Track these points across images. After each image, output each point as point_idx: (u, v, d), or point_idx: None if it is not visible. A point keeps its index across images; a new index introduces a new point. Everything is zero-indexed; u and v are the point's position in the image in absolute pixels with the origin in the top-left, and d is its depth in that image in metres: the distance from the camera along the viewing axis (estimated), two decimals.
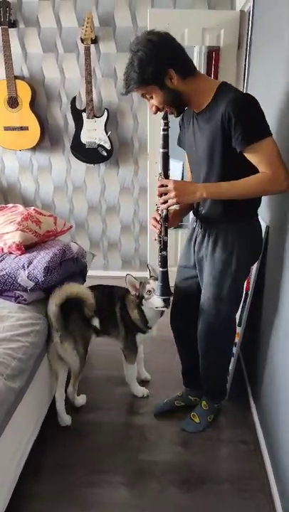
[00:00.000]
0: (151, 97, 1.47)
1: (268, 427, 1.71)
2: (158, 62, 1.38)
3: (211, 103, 1.45)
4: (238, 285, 1.68)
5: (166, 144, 1.49)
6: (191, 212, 1.79)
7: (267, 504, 1.56)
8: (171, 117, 1.52)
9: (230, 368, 2.04)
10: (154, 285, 1.77)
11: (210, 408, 1.95)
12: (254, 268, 1.91)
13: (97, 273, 3.56)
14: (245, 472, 1.70)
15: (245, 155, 1.41)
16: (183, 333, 1.95)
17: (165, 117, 1.47)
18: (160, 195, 1.51)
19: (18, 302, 1.78)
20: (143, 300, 1.87)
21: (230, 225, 1.58)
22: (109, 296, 1.99)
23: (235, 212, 1.55)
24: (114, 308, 1.97)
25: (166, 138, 1.48)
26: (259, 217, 1.68)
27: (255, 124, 1.37)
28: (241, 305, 1.99)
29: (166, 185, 1.48)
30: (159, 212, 1.57)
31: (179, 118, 1.63)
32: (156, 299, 1.77)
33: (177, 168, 2.98)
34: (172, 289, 1.73)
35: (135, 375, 2.13)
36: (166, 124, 1.47)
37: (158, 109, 1.50)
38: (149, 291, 1.83)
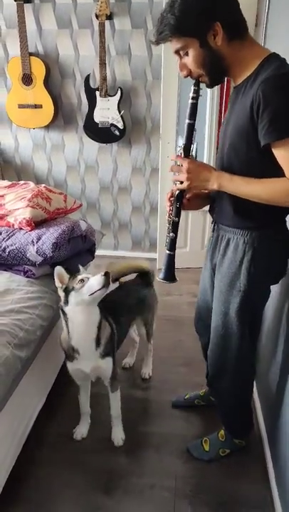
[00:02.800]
0: (186, 54, 1.20)
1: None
2: (205, 10, 1.13)
3: (250, 77, 1.19)
4: (249, 306, 1.40)
5: (193, 115, 1.28)
6: None
7: (262, 475, 1.62)
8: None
9: None
10: (89, 276, 1.54)
11: (227, 441, 1.69)
12: None
13: (108, 253, 3.61)
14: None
15: (273, 151, 1.14)
16: (207, 339, 1.72)
17: (196, 83, 1.25)
18: (174, 172, 1.32)
19: (27, 276, 1.83)
20: (71, 295, 1.50)
21: (245, 230, 1.31)
22: None
23: (250, 217, 1.28)
24: None
25: (194, 107, 1.27)
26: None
27: None
28: None
29: (181, 165, 1.29)
30: (173, 191, 1.38)
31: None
32: (93, 279, 1.49)
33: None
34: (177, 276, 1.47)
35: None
36: (197, 91, 1.26)
37: (190, 73, 1.24)
38: (82, 279, 1.50)
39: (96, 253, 2.39)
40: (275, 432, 1.60)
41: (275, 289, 1.77)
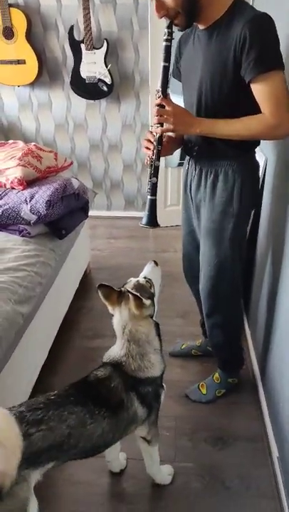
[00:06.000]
0: None
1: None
2: None
3: (222, 19, 1.26)
4: (241, 229, 1.52)
5: (167, 57, 1.32)
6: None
7: (256, 412, 1.73)
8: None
9: None
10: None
11: (222, 382, 1.82)
12: None
13: (101, 213, 3.61)
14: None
15: (252, 86, 1.24)
16: (198, 285, 1.73)
17: (169, 26, 1.28)
18: (157, 116, 1.34)
19: (23, 236, 1.85)
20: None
21: (231, 160, 1.42)
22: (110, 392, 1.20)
23: (234, 146, 1.39)
24: (127, 402, 1.21)
25: (168, 49, 1.31)
26: (257, 148, 1.54)
27: (271, 50, 1.19)
28: None
29: (165, 108, 1.31)
30: (154, 133, 1.40)
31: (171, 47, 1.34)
32: (152, 270, 1.37)
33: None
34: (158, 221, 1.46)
35: None
36: (170, 33, 1.29)
37: (166, 14, 1.27)
38: (150, 283, 1.31)
39: (89, 214, 2.39)
40: (266, 369, 1.69)
41: (263, 229, 1.83)
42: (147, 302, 1.21)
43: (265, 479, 1.50)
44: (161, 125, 1.34)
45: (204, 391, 1.82)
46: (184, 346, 2.08)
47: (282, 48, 1.23)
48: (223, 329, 1.72)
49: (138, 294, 1.18)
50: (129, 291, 1.19)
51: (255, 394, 1.82)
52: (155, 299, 1.29)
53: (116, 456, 1.52)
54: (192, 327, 2.20)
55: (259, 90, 1.24)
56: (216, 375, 1.84)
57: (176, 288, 2.47)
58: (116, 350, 1.27)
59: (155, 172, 1.42)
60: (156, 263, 1.40)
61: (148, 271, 1.37)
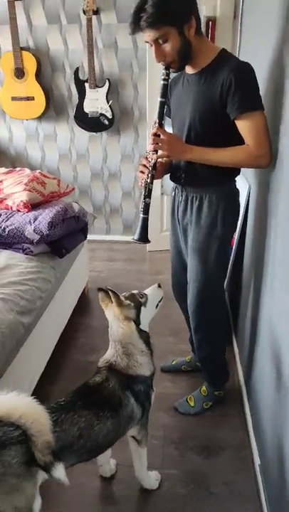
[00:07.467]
0: (165, 41, 1.38)
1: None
2: (186, 4, 1.38)
3: (211, 66, 1.46)
4: (225, 248, 1.68)
5: (164, 94, 1.50)
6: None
7: (241, 423, 1.82)
8: None
9: None
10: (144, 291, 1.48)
11: (209, 395, 1.92)
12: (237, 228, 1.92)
13: (100, 237, 3.78)
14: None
15: (237, 123, 1.43)
16: (186, 302, 1.84)
17: (167, 67, 1.47)
18: (153, 144, 1.50)
19: (26, 254, 2.01)
20: (141, 309, 1.40)
21: (215, 187, 1.59)
22: (111, 394, 1.33)
23: (218, 175, 1.56)
24: (124, 399, 1.34)
25: (165, 88, 1.50)
26: (242, 175, 1.73)
27: (253, 93, 1.40)
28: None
29: (161, 136, 1.48)
30: (149, 159, 1.56)
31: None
32: (152, 289, 1.50)
33: None
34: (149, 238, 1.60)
35: None
36: (168, 74, 1.48)
37: (164, 58, 1.44)
38: (142, 294, 1.44)
39: (89, 237, 2.56)
40: (250, 382, 1.80)
41: (248, 253, 1.98)
42: (126, 302, 1.37)
43: (247, 485, 1.59)
44: (156, 152, 1.52)
45: (192, 403, 1.91)
46: (174, 362, 2.19)
47: (261, 90, 1.43)
48: (210, 343, 1.83)
49: (115, 291, 1.35)
50: (108, 288, 1.38)
51: (240, 406, 1.92)
52: (143, 308, 1.43)
53: (107, 461, 1.61)
54: (183, 344, 2.31)
55: (243, 126, 1.43)
56: (203, 388, 1.94)
57: (169, 308, 2.58)
58: (108, 352, 1.42)
59: (149, 194, 1.58)
60: (159, 285, 1.54)
61: (148, 289, 1.51)
